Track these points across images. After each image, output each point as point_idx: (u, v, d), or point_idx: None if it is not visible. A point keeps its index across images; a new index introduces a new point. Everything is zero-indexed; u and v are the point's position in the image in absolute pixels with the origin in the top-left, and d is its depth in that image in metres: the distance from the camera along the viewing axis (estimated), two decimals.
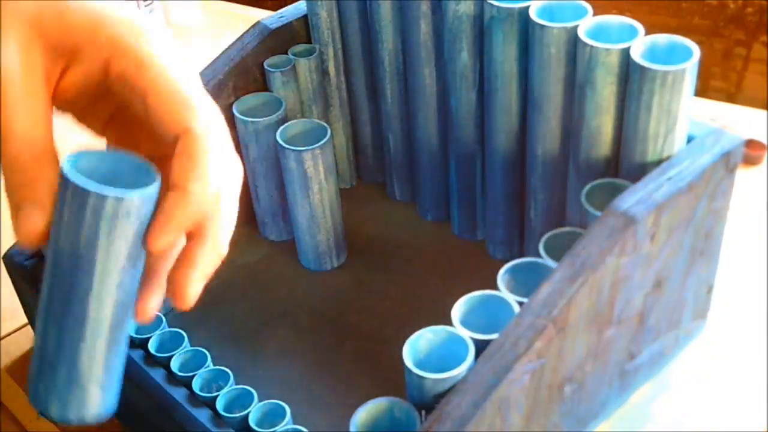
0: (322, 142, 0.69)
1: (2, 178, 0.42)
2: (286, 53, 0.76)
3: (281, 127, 0.71)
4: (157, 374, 0.61)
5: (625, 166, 0.60)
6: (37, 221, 0.41)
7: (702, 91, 1.18)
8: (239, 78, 0.74)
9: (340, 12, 0.76)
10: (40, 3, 0.41)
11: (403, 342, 0.52)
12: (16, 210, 0.41)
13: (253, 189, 0.77)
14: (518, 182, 0.71)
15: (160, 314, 0.64)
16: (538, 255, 0.57)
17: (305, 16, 0.77)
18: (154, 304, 0.45)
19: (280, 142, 0.70)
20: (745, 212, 0.78)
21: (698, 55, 0.55)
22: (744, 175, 0.82)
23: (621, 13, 0.61)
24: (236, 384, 0.61)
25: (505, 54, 0.64)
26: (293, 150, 0.69)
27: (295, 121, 0.73)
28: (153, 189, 0.42)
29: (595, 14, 0.59)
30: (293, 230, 0.76)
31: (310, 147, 0.69)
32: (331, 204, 0.73)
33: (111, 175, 0.42)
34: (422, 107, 0.74)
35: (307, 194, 0.72)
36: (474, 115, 0.70)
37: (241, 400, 0.60)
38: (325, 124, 0.72)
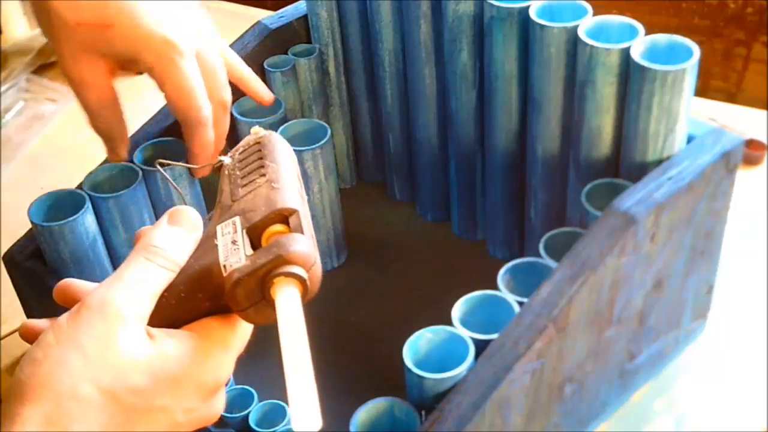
0: (322, 142, 0.69)
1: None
2: (286, 53, 0.76)
3: (281, 127, 0.71)
4: None
5: (625, 165, 0.60)
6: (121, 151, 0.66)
7: (702, 91, 1.18)
8: None
9: (340, 12, 0.76)
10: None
11: (403, 342, 0.52)
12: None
13: None
14: (518, 182, 0.71)
15: None
16: (538, 255, 0.57)
17: (305, 16, 0.77)
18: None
19: None
20: (745, 212, 0.78)
21: (698, 55, 0.55)
22: (744, 175, 0.82)
23: (621, 13, 0.61)
24: (236, 384, 0.61)
25: (505, 54, 0.64)
26: (293, 150, 0.69)
27: (295, 120, 0.73)
28: None
29: (595, 14, 0.59)
30: None
31: (310, 147, 0.69)
32: (331, 204, 0.73)
33: None
34: (422, 107, 0.74)
35: (308, 194, 0.72)
36: (474, 115, 0.70)
37: (240, 400, 0.60)
38: (325, 124, 0.72)
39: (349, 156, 0.84)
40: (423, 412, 0.52)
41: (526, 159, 0.68)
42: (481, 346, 0.51)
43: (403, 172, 0.81)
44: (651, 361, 0.65)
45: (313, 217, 0.74)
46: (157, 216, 0.71)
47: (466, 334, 0.52)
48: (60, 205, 0.65)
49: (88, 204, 0.65)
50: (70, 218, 0.64)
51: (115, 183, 0.68)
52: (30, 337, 0.45)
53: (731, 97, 1.21)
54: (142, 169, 0.67)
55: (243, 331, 0.44)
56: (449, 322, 0.53)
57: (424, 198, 0.80)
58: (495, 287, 0.55)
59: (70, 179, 0.69)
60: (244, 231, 0.43)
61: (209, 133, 0.63)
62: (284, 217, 0.43)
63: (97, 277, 0.68)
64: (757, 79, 1.19)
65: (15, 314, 0.76)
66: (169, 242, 0.44)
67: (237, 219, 0.43)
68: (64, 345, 0.40)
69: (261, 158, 0.47)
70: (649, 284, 0.58)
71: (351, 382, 0.67)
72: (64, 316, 0.41)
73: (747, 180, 0.82)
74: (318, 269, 0.41)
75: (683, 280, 0.61)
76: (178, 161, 0.67)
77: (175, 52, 0.59)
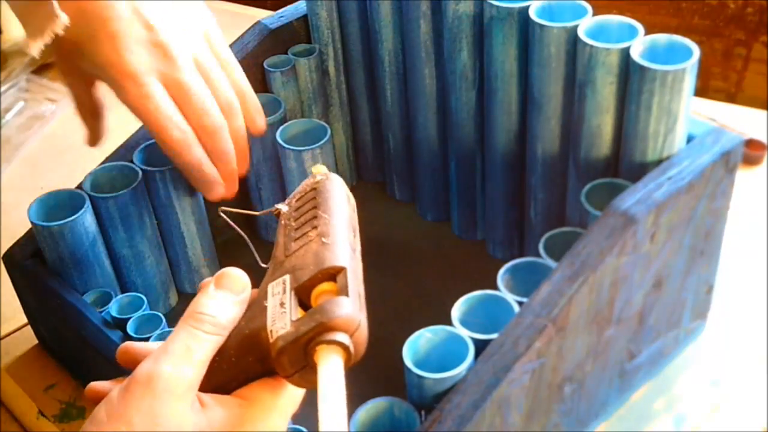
0: (322, 141, 0.69)
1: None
2: (286, 53, 0.76)
3: (281, 127, 0.71)
4: None
5: (625, 165, 0.60)
6: None
7: (702, 91, 1.18)
8: None
9: (340, 12, 0.76)
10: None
11: (403, 342, 0.52)
12: None
13: (255, 191, 0.77)
14: (518, 182, 0.71)
15: (159, 314, 0.64)
16: (538, 255, 0.57)
17: (305, 16, 0.77)
18: None
19: (280, 141, 0.70)
20: (745, 212, 0.78)
21: (698, 54, 0.55)
22: (744, 175, 0.82)
23: (621, 13, 0.61)
24: None
25: (505, 54, 0.64)
26: (293, 150, 0.69)
27: (295, 120, 0.73)
28: None
29: (595, 14, 0.59)
30: None
31: (310, 147, 0.69)
32: None
33: None
34: (422, 107, 0.74)
35: None
36: (474, 115, 0.70)
37: None
38: (325, 124, 0.72)
39: (349, 156, 0.84)
40: (423, 412, 0.52)
41: (526, 159, 0.68)
42: (480, 346, 0.51)
43: (403, 172, 0.81)
44: (651, 361, 0.65)
45: None
46: (157, 216, 0.71)
47: (466, 333, 0.52)
48: (60, 205, 0.65)
49: (88, 204, 0.65)
50: (70, 218, 0.64)
51: (115, 183, 0.68)
52: (94, 398, 0.46)
53: (731, 97, 1.21)
54: (142, 169, 0.67)
55: (292, 394, 0.44)
56: (449, 322, 0.53)
57: (424, 198, 0.80)
58: (495, 287, 0.55)
59: (70, 179, 0.70)
60: (292, 292, 0.43)
61: (191, 155, 0.63)
62: (332, 275, 0.43)
63: (96, 277, 0.68)
64: (757, 79, 1.19)
65: (15, 314, 0.77)
66: (215, 308, 0.44)
67: (287, 278, 0.43)
68: (114, 421, 0.41)
69: (315, 207, 0.47)
70: (648, 284, 0.58)
71: (351, 382, 0.67)
72: (115, 390, 0.42)
73: (747, 180, 0.82)
74: (362, 332, 0.41)
75: (683, 280, 0.62)
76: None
77: (129, 81, 0.61)
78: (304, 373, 0.41)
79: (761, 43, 1.17)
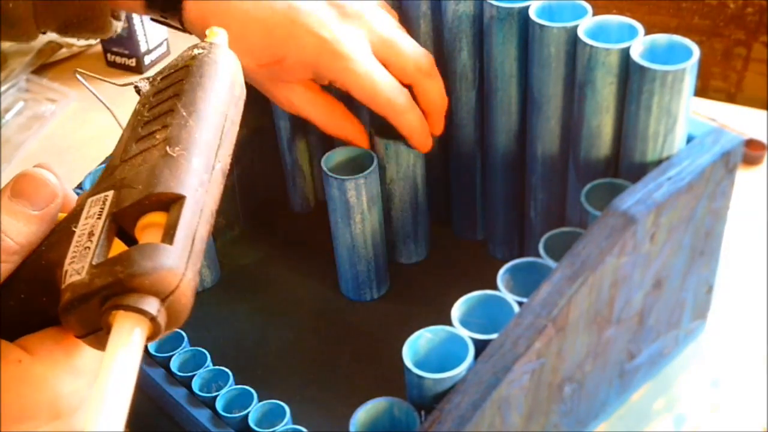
0: (367, 171, 0.66)
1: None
2: None
3: (327, 154, 0.69)
4: (157, 374, 0.61)
5: (624, 165, 0.60)
6: None
7: (702, 91, 1.18)
8: None
9: None
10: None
11: (403, 342, 0.52)
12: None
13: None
14: (518, 182, 0.71)
15: None
16: (538, 255, 0.57)
17: None
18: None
19: (325, 169, 0.67)
20: (745, 212, 0.78)
21: (698, 55, 0.55)
22: (744, 175, 0.82)
23: (621, 13, 0.61)
24: (236, 384, 0.61)
25: (505, 54, 0.64)
26: (336, 178, 0.66)
27: (342, 147, 0.70)
28: None
29: (595, 14, 0.59)
30: (335, 257, 0.73)
31: (354, 177, 0.66)
32: (373, 235, 0.70)
33: None
34: None
35: (348, 224, 0.69)
36: (474, 115, 0.70)
37: (240, 400, 0.60)
38: (372, 153, 0.69)
39: None
40: (423, 412, 0.52)
41: (526, 159, 0.68)
42: (480, 346, 0.51)
43: None
44: (651, 361, 0.65)
45: (353, 248, 0.69)
46: None
47: (466, 334, 0.52)
48: None
49: None
50: None
51: None
52: None
53: (731, 97, 1.21)
54: None
55: (91, 351, 0.34)
56: (449, 322, 0.53)
57: None
58: (495, 287, 0.55)
59: (70, 179, 0.69)
60: (109, 218, 0.32)
61: (413, 116, 0.66)
62: (167, 203, 0.32)
63: None
64: (757, 79, 1.19)
65: None
66: (3, 223, 0.33)
67: (110, 194, 0.32)
68: None
69: (177, 94, 0.35)
70: (648, 284, 0.58)
71: (351, 382, 0.67)
72: None
73: (747, 180, 0.82)
74: (182, 295, 0.30)
75: (683, 280, 0.62)
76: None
77: (346, 62, 0.62)
78: (100, 336, 0.31)
79: (761, 43, 1.17)
